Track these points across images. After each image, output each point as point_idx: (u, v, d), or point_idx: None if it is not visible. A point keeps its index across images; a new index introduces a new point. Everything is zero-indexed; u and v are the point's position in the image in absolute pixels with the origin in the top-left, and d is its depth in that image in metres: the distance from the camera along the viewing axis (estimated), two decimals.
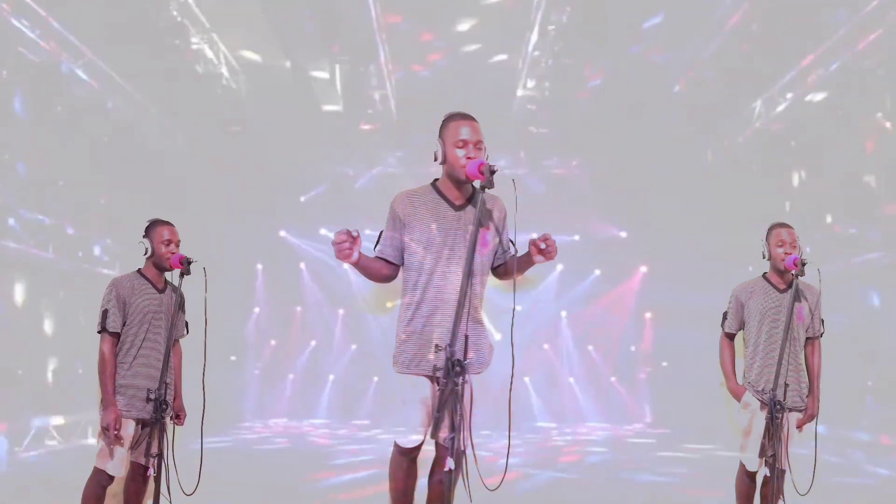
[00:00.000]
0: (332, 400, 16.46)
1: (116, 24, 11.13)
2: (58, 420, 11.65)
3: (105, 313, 4.92)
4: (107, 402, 4.84)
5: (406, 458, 4.15)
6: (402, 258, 4.20)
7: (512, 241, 4.20)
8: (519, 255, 4.21)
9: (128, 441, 4.86)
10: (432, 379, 4.01)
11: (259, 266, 16.44)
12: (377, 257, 4.23)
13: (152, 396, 4.83)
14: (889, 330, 11.01)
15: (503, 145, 14.00)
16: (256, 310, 16.44)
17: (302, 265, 16.49)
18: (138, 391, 4.88)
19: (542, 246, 4.09)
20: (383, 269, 4.21)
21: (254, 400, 16.33)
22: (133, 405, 4.88)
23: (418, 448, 4.12)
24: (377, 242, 4.23)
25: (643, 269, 16.42)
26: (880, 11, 10.27)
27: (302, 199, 16.21)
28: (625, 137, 14.27)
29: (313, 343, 16.58)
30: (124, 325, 4.92)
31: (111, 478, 4.86)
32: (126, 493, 4.99)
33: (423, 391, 4.06)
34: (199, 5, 11.52)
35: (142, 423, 4.93)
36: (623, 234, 16.36)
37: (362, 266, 4.12)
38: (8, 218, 10.85)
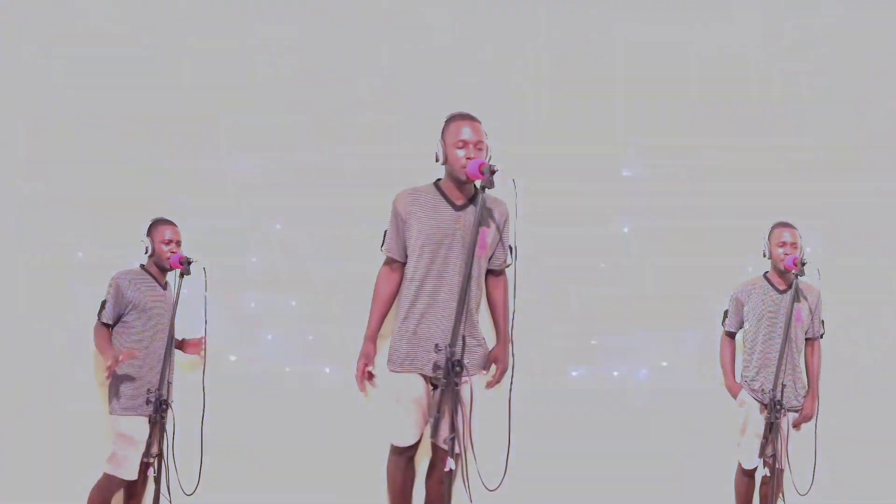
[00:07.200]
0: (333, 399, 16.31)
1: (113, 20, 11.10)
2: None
3: (103, 304, 4.93)
4: (105, 352, 4.75)
5: (402, 457, 4.13)
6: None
7: (511, 247, 4.17)
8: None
9: (142, 443, 4.74)
10: (426, 378, 4.01)
11: (254, 260, 16.31)
12: (388, 257, 4.21)
13: (152, 398, 4.74)
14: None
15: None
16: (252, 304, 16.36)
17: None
18: (145, 385, 4.79)
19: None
20: (393, 290, 4.24)
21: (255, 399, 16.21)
22: (141, 399, 4.76)
23: (414, 447, 4.11)
24: (383, 242, 4.23)
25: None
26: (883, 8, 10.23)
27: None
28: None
29: (310, 338, 16.44)
30: (121, 318, 4.87)
31: (122, 482, 4.77)
32: (126, 493, 4.93)
33: (416, 389, 4.05)
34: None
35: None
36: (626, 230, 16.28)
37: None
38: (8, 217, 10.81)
